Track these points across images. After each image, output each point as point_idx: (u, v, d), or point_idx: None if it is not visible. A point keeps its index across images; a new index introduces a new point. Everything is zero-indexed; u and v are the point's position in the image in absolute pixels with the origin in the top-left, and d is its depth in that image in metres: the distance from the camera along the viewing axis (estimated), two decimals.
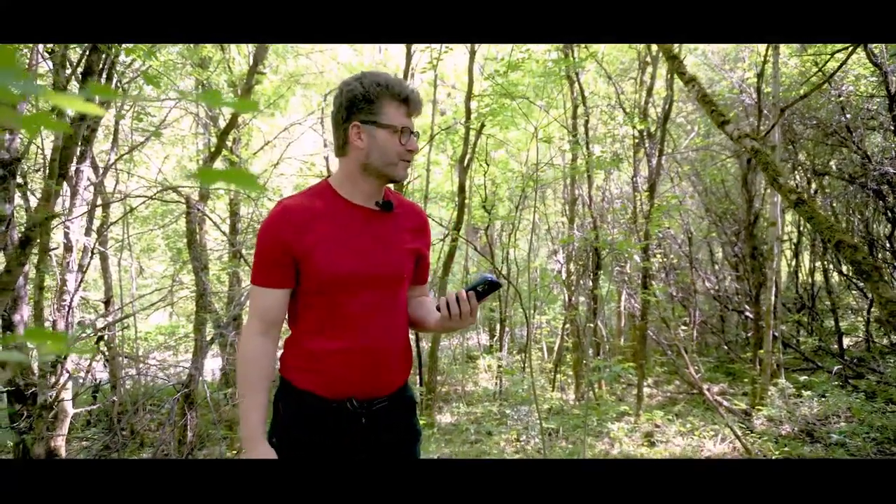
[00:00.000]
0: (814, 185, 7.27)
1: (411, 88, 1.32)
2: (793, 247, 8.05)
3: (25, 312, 3.43)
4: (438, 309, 1.33)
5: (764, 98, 5.74)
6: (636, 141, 6.90)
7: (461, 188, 6.40)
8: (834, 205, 7.24)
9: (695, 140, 8.06)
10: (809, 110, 6.51)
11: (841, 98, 5.94)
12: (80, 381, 4.96)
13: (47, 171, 3.19)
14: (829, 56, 4.39)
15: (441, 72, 7.41)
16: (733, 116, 7.90)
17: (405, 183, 7.47)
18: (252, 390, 1.30)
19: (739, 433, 4.10)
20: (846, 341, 7.26)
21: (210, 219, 4.43)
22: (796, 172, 7.33)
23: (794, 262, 8.25)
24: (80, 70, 3.26)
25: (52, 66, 3.31)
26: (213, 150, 4.93)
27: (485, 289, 1.30)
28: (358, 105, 1.28)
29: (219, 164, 6.59)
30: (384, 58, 8.92)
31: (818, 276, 8.09)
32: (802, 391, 5.07)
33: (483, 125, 6.79)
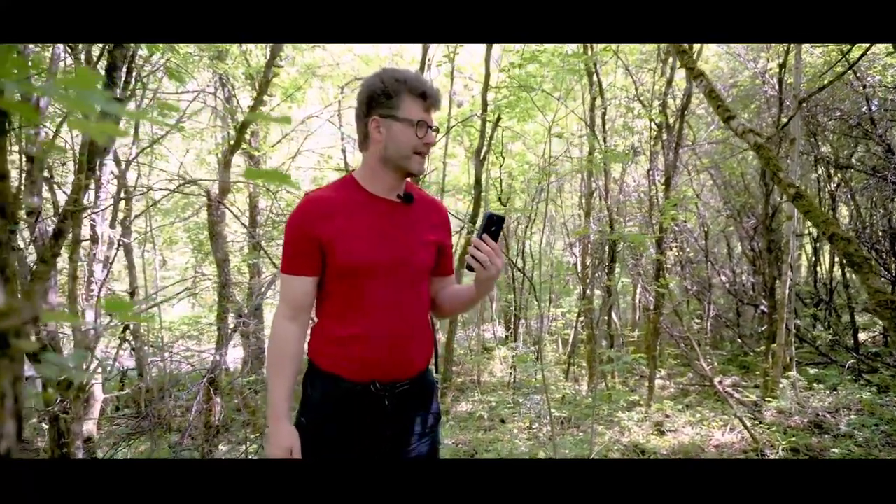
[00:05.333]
0: (836, 179, 7.15)
1: (430, 84, 1.37)
2: (812, 241, 7.94)
3: (54, 301, 3.57)
4: (470, 268, 1.36)
5: (786, 88, 5.66)
6: (654, 133, 6.85)
7: (477, 181, 6.43)
8: (857, 198, 7.12)
9: (713, 133, 7.97)
10: (834, 101, 6.39)
11: (866, 89, 5.83)
12: (109, 368, 5.14)
13: (76, 164, 3.31)
14: (851, 46, 4.31)
15: (458, 63, 7.42)
16: (755, 108, 7.82)
17: (423, 176, 7.54)
18: (279, 374, 1.39)
19: (748, 423, 4.11)
20: (863, 336, 7.16)
21: (231, 211, 4.53)
22: (818, 165, 7.21)
23: (813, 257, 8.15)
24: (102, 65, 3.36)
25: (72, 61, 3.41)
26: (232, 143, 5.03)
27: (493, 226, 1.35)
28: (377, 100, 1.35)
29: (238, 158, 6.70)
30: (400, 49, 8.94)
31: (837, 271, 7.98)
32: (814, 384, 5.06)
33: (500, 117, 6.80)
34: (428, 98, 1.35)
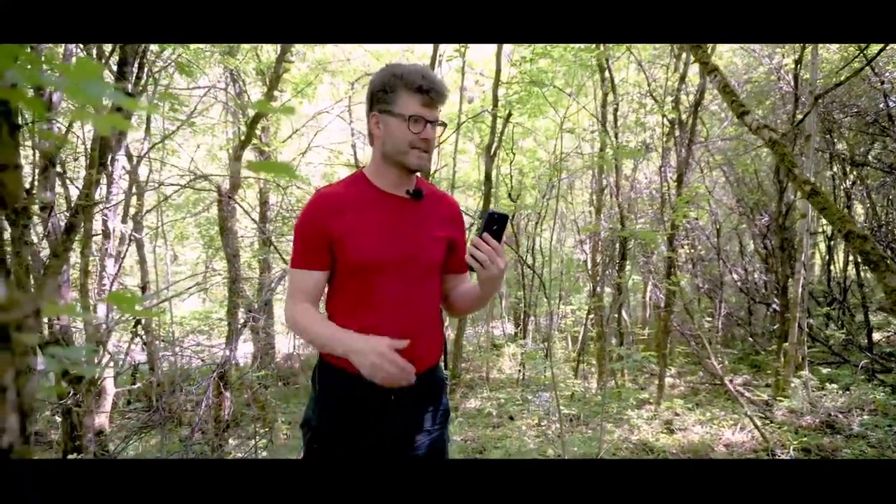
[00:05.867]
0: (851, 176, 7.05)
1: (430, 78, 1.32)
2: (826, 240, 7.84)
3: (69, 296, 3.60)
4: (471, 268, 1.33)
5: (802, 84, 5.58)
6: (667, 130, 6.79)
7: (487, 177, 6.41)
8: (872, 196, 7.01)
9: (726, 129, 7.88)
10: (851, 97, 6.29)
11: (884, 84, 5.73)
12: (120, 362, 5.19)
13: (87, 160, 3.33)
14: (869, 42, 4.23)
15: (469, 59, 7.39)
16: (769, 104, 7.71)
17: (433, 172, 7.53)
18: (317, 323, 1.35)
19: (759, 423, 4.07)
20: (877, 336, 7.06)
21: (241, 207, 4.55)
22: (833, 163, 7.10)
23: (827, 256, 8.04)
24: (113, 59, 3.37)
25: (84, 56, 3.42)
26: (242, 138, 5.04)
27: (495, 224, 1.30)
28: (377, 96, 1.35)
29: (248, 153, 6.73)
30: (411, 45, 8.91)
31: (851, 270, 7.87)
32: (827, 384, 5.00)
33: (510, 113, 6.77)
34: (426, 93, 1.32)
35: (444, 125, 1.39)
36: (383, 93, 1.34)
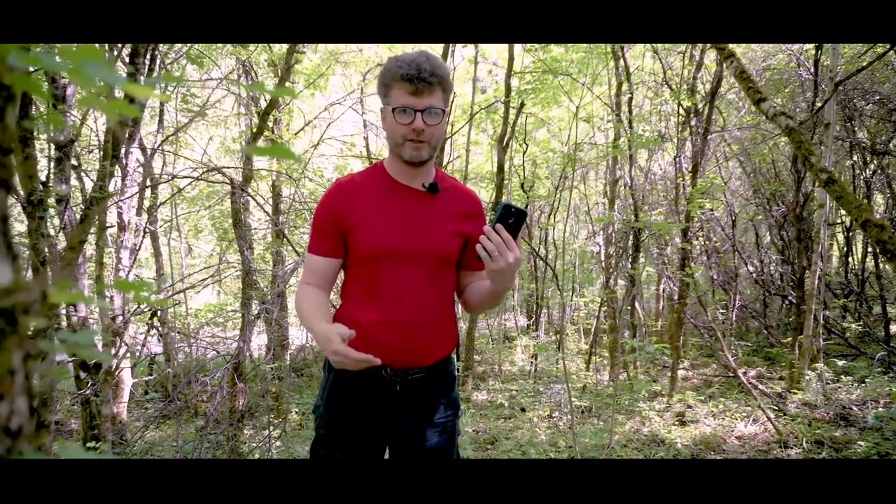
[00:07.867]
0: (872, 166, 6.89)
1: (416, 64, 1.27)
2: (844, 231, 7.70)
3: (85, 286, 3.65)
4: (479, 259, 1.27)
5: (822, 71, 5.46)
6: (682, 119, 6.69)
7: (500, 168, 6.38)
8: (893, 186, 6.87)
9: (742, 118, 7.75)
10: (873, 84, 6.14)
11: None
12: (137, 353, 5.26)
13: (101, 152, 3.36)
14: None
15: (482, 48, 7.33)
16: (788, 91, 7.55)
17: (445, 163, 7.51)
18: (306, 309, 1.34)
19: (772, 415, 4.03)
20: (895, 328, 6.94)
21: (254, 199, 4.57)
22: (853, 152, 6.96)
23: (845, 247, 7.90)
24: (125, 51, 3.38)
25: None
26: (255, 130, 5.06)
27: (510, 218, 1.23)
28: (380, 90, 1.36)
29: (261, 145, 6.73)
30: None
31: (870, 262, 7.72)
32: (841, 376, 4.93)
33: (523, 103, 6.71)
34: (410, 81, 1.26)
35: (443, 111, 1.32)
36: (382, 86, 1.33)
